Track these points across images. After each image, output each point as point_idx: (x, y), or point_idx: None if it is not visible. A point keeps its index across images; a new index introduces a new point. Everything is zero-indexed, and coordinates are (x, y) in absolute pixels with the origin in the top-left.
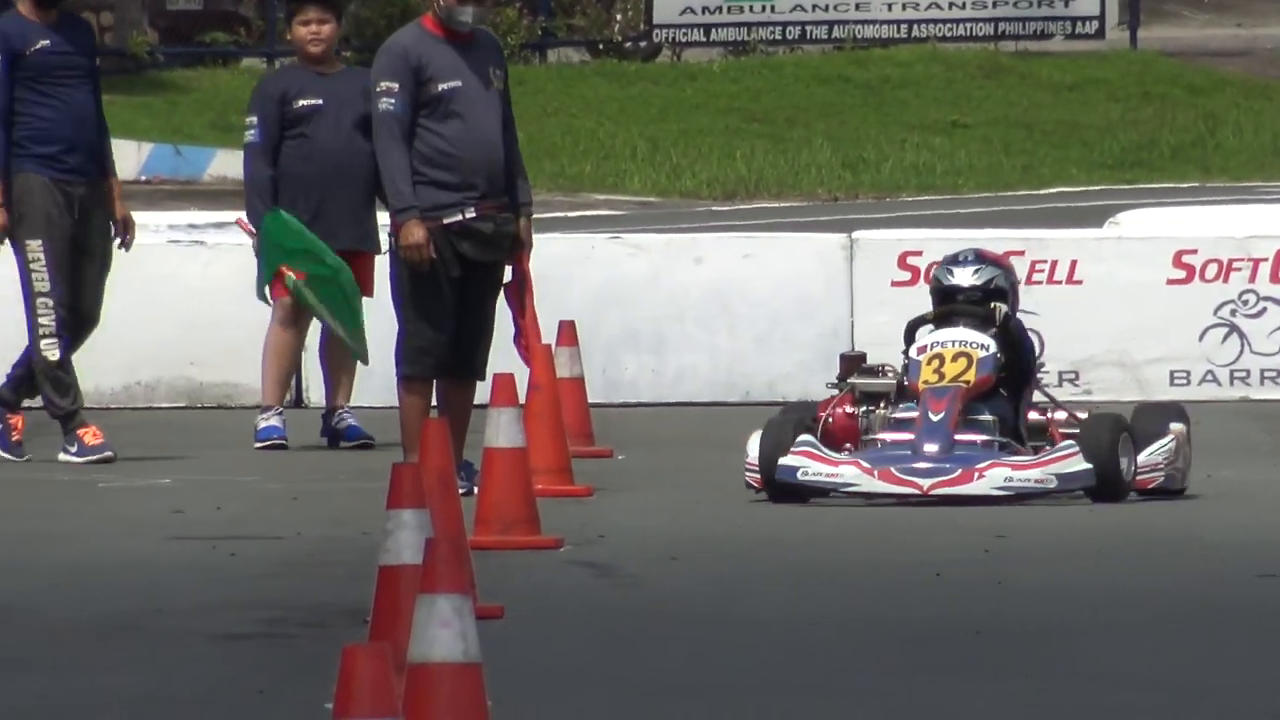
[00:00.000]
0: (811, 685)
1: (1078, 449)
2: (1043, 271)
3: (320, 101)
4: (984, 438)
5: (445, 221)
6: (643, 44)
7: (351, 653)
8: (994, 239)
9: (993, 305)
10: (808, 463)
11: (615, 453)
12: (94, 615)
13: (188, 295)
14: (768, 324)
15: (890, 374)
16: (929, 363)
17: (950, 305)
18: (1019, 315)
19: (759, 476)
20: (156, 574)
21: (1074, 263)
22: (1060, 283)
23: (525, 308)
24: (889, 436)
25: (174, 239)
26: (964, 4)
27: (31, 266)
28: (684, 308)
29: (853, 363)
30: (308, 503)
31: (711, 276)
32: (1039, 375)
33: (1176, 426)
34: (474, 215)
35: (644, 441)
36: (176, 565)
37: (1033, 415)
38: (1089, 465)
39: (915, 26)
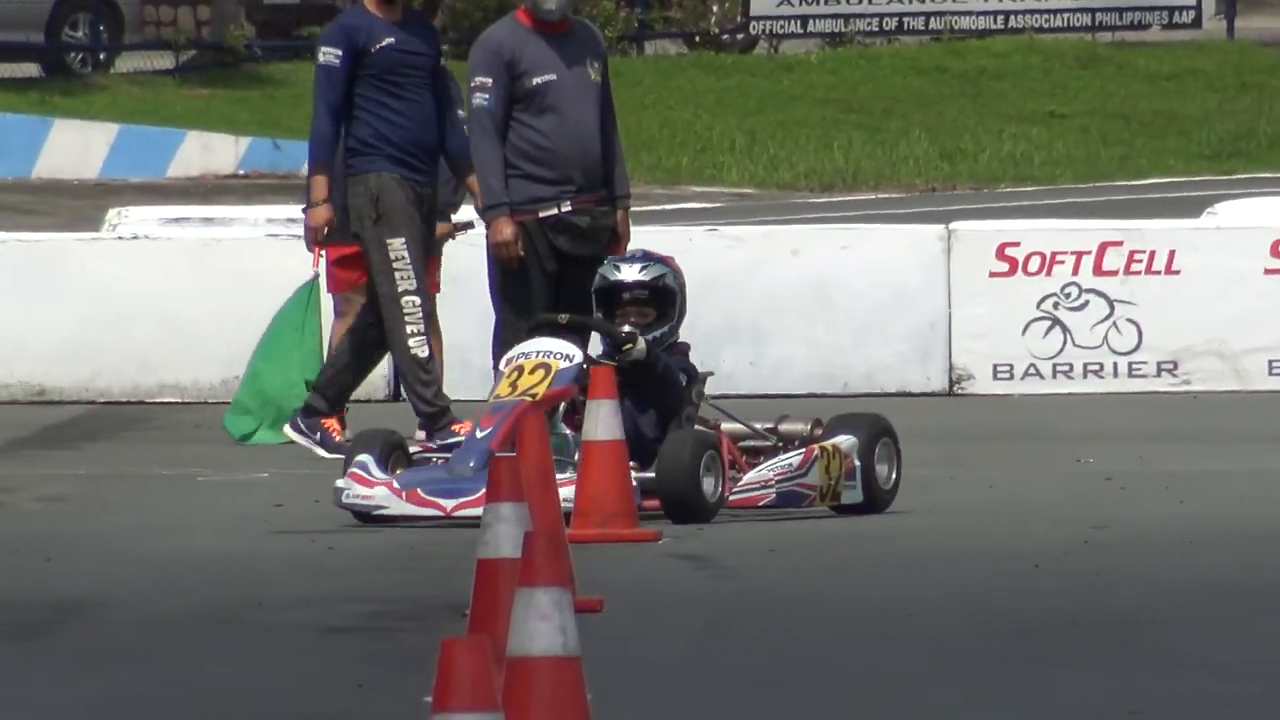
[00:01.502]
0: (908, 675)
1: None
2: (1141, 262)
3: None
4: None
5: (541, 215)
6: (740, 36)
7: (450, 646)
8: (1092, 229)
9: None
10: (351, 484)
11: None
12: (195, 608)
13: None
14: (865, 315)
15: None
16: (508, 375)
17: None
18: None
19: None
20: (256, 567)
21: (1172, 253)
22: (1158, 273)
23: None
24: (436, 455)
25: (272, 233)
26: None
27: (395, 265)
28: (782, 300)
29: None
30: None
31: (809, 268)
32: (698, 390)
33: (840, 440)
34: (570, 209)
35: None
36: (276, 559)
37: (699, 429)
38: None
39: (1012, 17)
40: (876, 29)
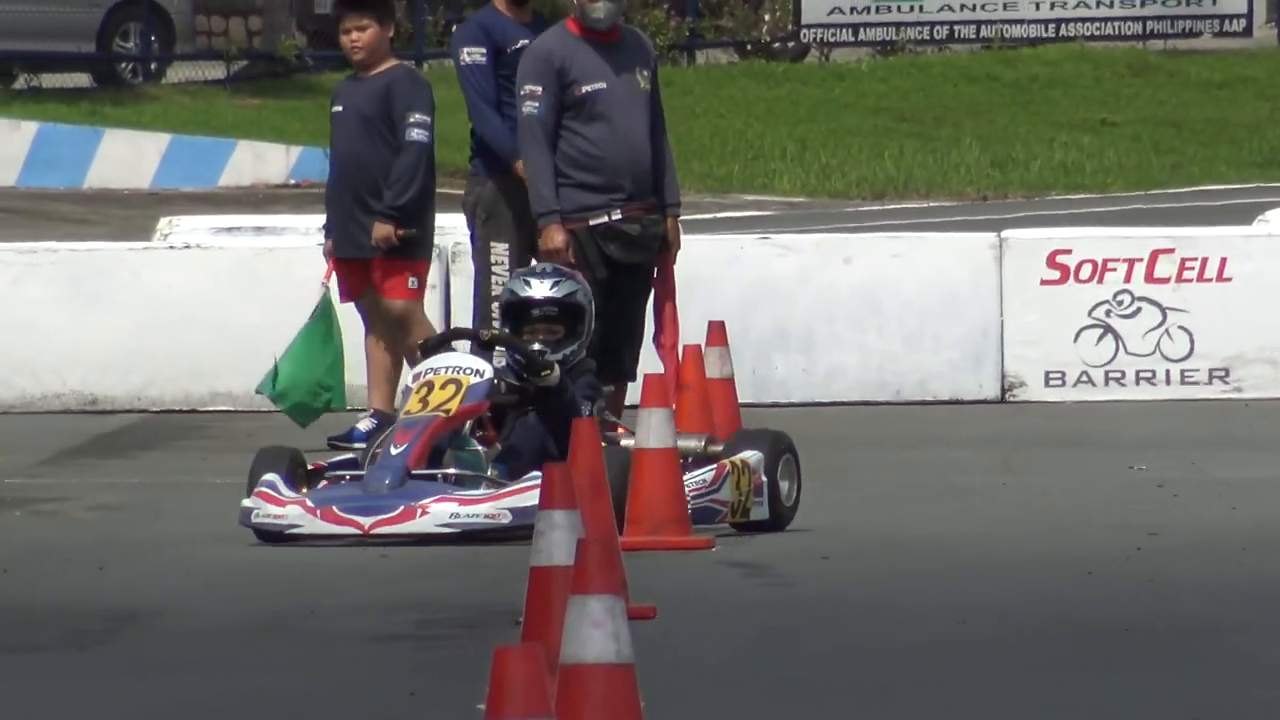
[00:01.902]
0: (962, 682)
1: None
2: (1192, 269)
3: (340, 108)
4: (448, 471)
5: (591, 223)
6: (791, 44)
7: (504, 654)
8: (1143, 237)
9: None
10: (260, 504)
11: None
12: (247, 615)
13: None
14: (917, 323)
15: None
16: (418, 391)
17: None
18: None
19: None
20: (309, 575)
21: (1224, 260)
22: (1210, 280)
23: (665, 309)
24: (346, 473)
25: (323, 242)
26: (1112, 3)
27: (494, 269)
28: (833, 307)
29: None
30: None
31: (861, 276)
32: (593, 401)
33: (748, 456)
34: (620, 217)
35: (795, 441)
36: (329, 566)
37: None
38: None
39: (1063, 26)
40: (927, 37)
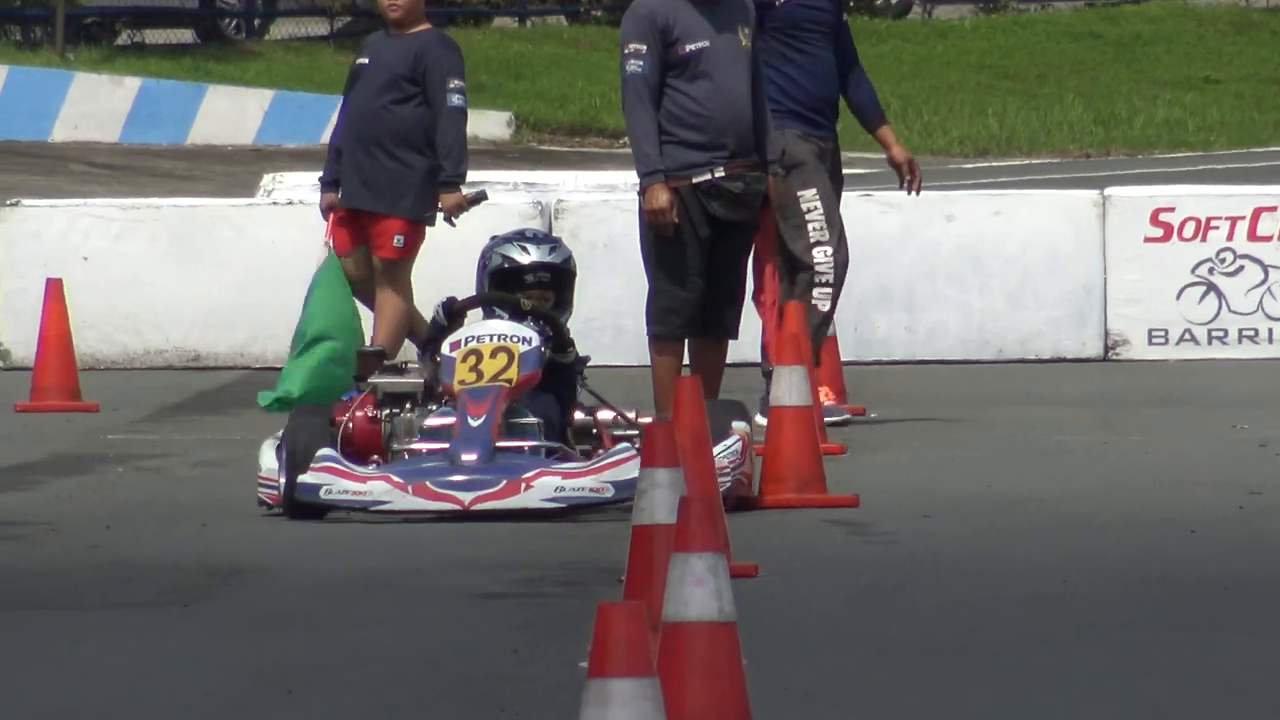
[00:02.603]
0: (1062, 641)
1: (634, 453)
2: None
3: (367, 61)
4: (529, 443)
5: (695, 180)
6: (894, 1)
7: (606, 611)
8: (1246, 194)
9: (518, 297)
10: (331, 480)
11: (868, 410)
12: (353, 574)
13: (440, 254)
14: (1019, 281)
15: (417, 373)
16: (464, 360)
17: (483, 295)
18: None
19: (276, 493)
20: (413, 533)
21: None
22: None
23: (766, 266)
24: (424, 446)
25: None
26: None
27: (808, 217)
28: (935, 265)
29: (371, 360)
30: None
31: (963, 234)
32: (580, 373)
33: (740, 425)
34: (723, 174)
35: (897, 399)
36: (432, 524)
37: (579, 415)
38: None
39: None
40: None
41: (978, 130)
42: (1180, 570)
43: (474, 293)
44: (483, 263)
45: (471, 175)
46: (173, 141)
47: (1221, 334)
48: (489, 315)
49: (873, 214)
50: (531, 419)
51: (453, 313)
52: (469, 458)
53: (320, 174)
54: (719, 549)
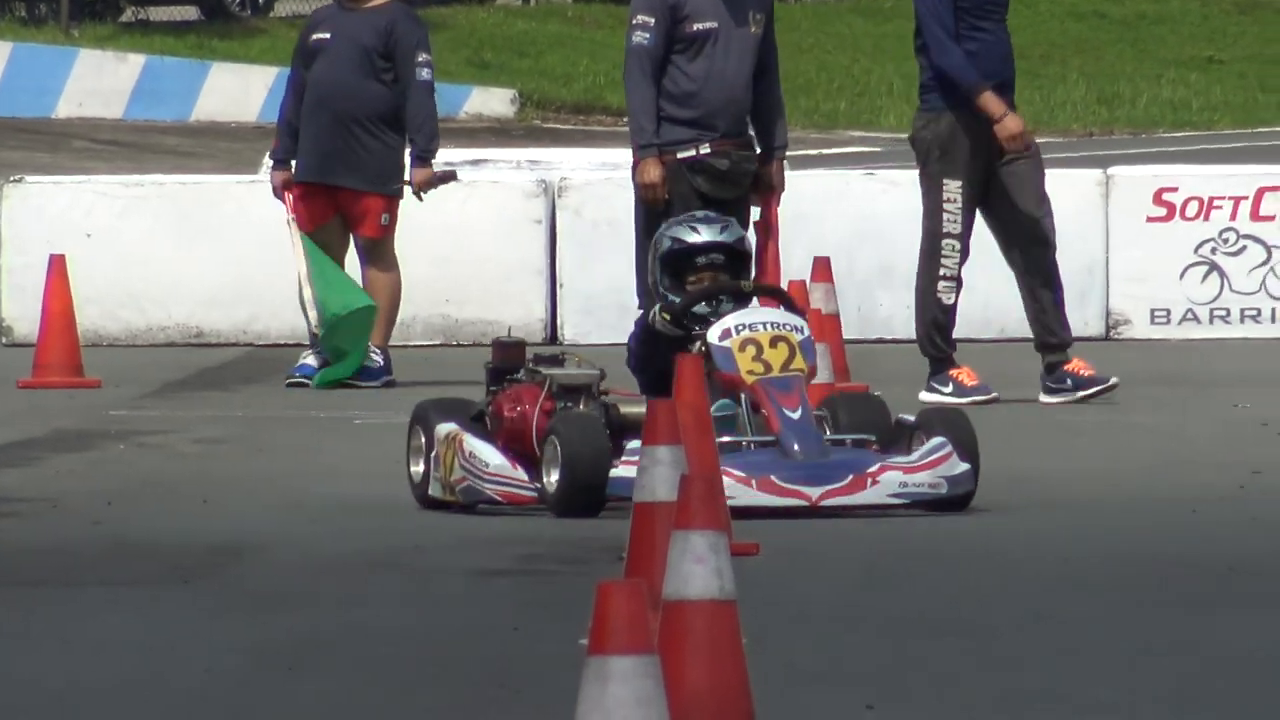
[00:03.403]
0: (1065, 621)
1: (951, 449)
2: None
3: (328, 36)
4: (855, 436)
5: (680, 156)
6: None
7: (607, 589)
8: (1249, 174)
9: (740, 282)
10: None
11: (871, 389)
12: (354, 552)
13: (444, 232)
14: None
15: (579, 363)
16: (742, 349)
17: (705, 289)
18: None
19: (513, 491)
20: (415, 511)
21: None
22: None
23: (767, 250)
24: (747, 440)
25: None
26: None
27: (945, 206)
28: None
29: (511, 350)
30: None
31: None
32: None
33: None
34: (709, 151)
35: (899, 378)
36: (435, 502)
37: None
38: (967, 466)
39: None
40: None
41: None
42: (1182, 550)
43: (642, 277)
44: (654, 248)
45: (476, 153)
46: (177, 118)
47: (1224, 313)
48: (713, 306)
49: (875, 192)
50: (824, 411)
51: (679, 313)
52: (807, 451)
53: (271, 152)
54: (720, 527)
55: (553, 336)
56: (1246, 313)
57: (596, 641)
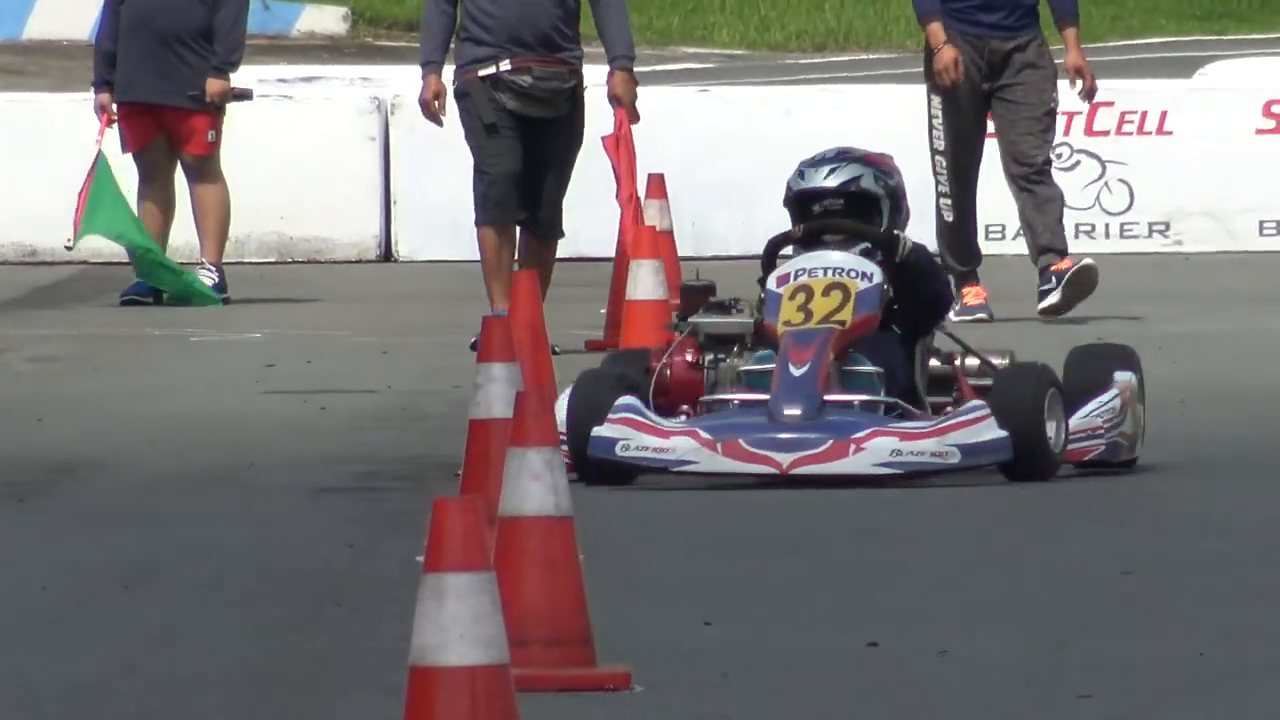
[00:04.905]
0: (899, 539)
1: (988, 412)
2: (1132, 122)
3: None
4: (863, 397)
5: (480, 74)
6: None
7: (442, 506)
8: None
9: (895, 232)
10: (630, 434)
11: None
12: (190, 469)
13: (277, 150)
14: None
15: (748, 311)
16: (791, 297)
17: (824, 221)
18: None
19: (564, 450)
20: (249, 428)
21: (1164, 113)
22: (1150, 133)
23: (621, 163)
24: (737, 397)
25: (263, 94)
26: None
27: (933, 122)
28: (774, 161)
29: (697, 296)
30: (398, 356)
31: (801, 129)
32: (950, 316)
33: (1123, 378)
34: (510, 68)
35: (735, 293)
36: (268, 419)
37: (934, 363)
38: (1003, 433)
39: None
40: None
41: (815, 25)
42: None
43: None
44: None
45: (308, 70)
46: (8, 36)
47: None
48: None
49: (711, 109)
50: (871, 368)
51: (775, 247)
52: (791, 413)
53: (92, 76)
54: (555, 444)
55: (387, 254)
56: (1081, 228)
57: (433, 558)
